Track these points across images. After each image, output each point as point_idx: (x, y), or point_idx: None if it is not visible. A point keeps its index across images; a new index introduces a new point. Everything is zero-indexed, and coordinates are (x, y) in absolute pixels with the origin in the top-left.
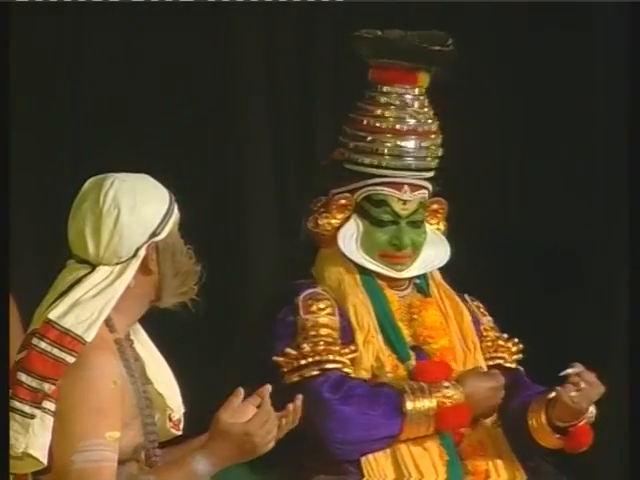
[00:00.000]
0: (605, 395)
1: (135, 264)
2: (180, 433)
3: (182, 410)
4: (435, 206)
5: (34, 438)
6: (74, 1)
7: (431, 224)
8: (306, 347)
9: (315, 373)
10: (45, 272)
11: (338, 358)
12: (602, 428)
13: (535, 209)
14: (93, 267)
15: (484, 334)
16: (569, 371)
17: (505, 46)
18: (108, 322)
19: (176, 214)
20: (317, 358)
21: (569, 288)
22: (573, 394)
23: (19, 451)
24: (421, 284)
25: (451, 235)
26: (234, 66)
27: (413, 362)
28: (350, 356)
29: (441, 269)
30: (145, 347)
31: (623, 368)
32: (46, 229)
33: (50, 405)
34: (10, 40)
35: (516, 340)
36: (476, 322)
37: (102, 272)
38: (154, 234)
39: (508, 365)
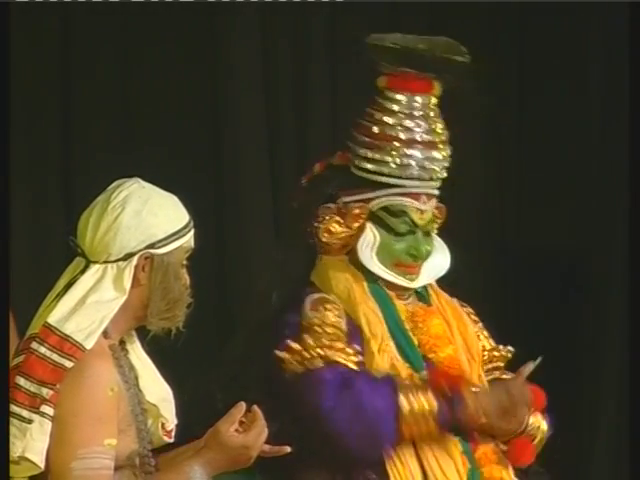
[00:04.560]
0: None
1: (129, 273)
2: (172, 441)
3: (175, 422)
4: (435, 212)
5: (32, 442)
6: (74, 1)
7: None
8: (310, 341)
9: (320, 365)
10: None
11: (343, 356)
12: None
13: (532, 214)
14: (86, 264)
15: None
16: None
17: (502, 48)
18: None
19: (186, 241)
20: (321, 352)
21: (569, 293)
22: None
23: (16, 455)
24: (422, 292)
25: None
26: (230, 68)
27: (424, 372)
28: (354, 359)
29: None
30: (140, 359)
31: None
32: (46, 229)
33: (49, 410)
34: (10, 40)
35: (509, 347)
36: None
37: (93, 271)
38: (152, 246)
39: (504, 377)
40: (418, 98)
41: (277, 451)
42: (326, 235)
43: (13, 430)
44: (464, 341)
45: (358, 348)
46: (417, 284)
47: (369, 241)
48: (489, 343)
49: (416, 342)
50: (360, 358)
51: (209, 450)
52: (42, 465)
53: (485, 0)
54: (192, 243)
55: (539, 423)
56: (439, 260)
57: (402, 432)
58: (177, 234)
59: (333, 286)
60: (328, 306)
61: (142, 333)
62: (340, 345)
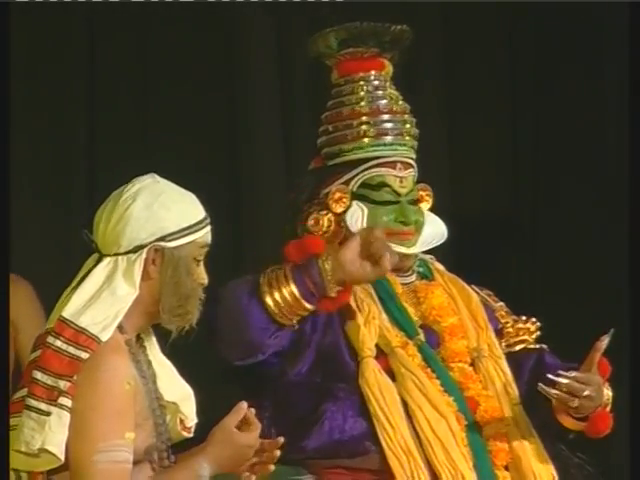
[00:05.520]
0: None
1: (139, 265)
2: (191, 435)
3: (195, 420)
4: (421, 193)
5: (51, 434)
6: (74, 1)
7: None
8: None
9: None
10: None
11: None
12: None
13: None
14: (100, 257)
15: (502, 320)
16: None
17: (509, 45)
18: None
19: (201, 236)
20: None
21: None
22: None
23: (35, 448)
24: (424, 272)
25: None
26: (246, 65)
27: (422, 337)
28: None
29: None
30: (156, 359)
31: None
32: (49, 227)
33: (66, 401)
34: (10, 40)
35: (533, 319)
36: (489, 309)
37: (104, 264)
38: (162, 239)
39: (532, 347)
40: (371, 74)
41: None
42: (313, 224)
43: (31, 424)
44: (469, 311)
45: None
46: (415, 250)
47: (358, 215)
48: (511, 319)
49: (413, 313)
50: None
51: (216, 447)
52: (62, 457)
53: (488, 0)
54: (208, 239)
55: (608, 391)
56: (433, 229)
57: (281, 321)
58: (190, 229)
59: None
60: None
61: (162, 339)
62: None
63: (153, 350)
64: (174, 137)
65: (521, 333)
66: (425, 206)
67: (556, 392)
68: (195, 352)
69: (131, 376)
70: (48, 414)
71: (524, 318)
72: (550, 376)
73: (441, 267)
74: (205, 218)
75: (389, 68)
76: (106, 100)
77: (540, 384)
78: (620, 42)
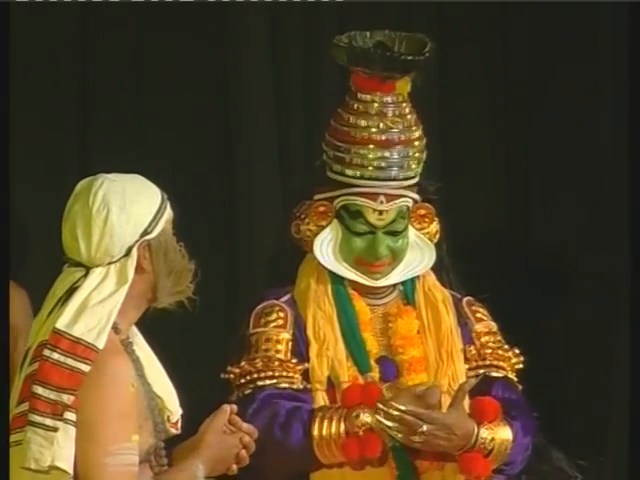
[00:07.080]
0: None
1: (132, 265)
2: (179, 432)
3: (180, 412)
4: (422, 211)
5: (59, 450)
6: (74, 1)
7: (416, 228)
8: (245, 365)
9: (248, 392)
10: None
11: (277, 373)
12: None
13: (534, 212)
14: (87, 269)
15: (474, 341)
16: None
17: (506, 48)
18: (113, 324)
19: (168, 212)
20: (254, 376)
21: (567, 292)
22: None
23: (45, 465)
24: (405, 290)
25: (449, 238)
26: (239, 66)
27: (374, 374)
28: (299, 368)
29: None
30: (142, 349)
31: (624, 374)
32: (49, 230)
33: (71, 416)
34: (10, 40)
35: (517, 351)
36: (466, 329)
37: (97, 273)
38: (145, 232)
39: (494, 374)
40: (378, 97)
41: None
42: (295, 231)
43: (38, 440)
44: (436, 341)
45: (296, 360)
46: (384, 283)
47: (330, 238)
48: (487, 340)
49: (379, 344)
50: (305, 365)
51: (209, 450)
52: (71, 471)
53: (490, 0)
54: (171, 211)
55: (493, 434)
56: (416, 257)
57: (319, 456)
58: (160, 211)
59: (296, 285)
60: (273, 316)
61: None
62: (274, 363)
63: (137, 341)
64: (168, 137)
65: (490, 358)
66: (423, 227)
67: (392, 423)
68: (183, 346)
69: (133, 378)
70: (55, 430)
71: (507, 347)
72: (380, 405)
73: (431, 281)
74: (162, 194)
75: (403, 88)
76: (100, 100)
77: (377, 416)
78: (618, 43)
